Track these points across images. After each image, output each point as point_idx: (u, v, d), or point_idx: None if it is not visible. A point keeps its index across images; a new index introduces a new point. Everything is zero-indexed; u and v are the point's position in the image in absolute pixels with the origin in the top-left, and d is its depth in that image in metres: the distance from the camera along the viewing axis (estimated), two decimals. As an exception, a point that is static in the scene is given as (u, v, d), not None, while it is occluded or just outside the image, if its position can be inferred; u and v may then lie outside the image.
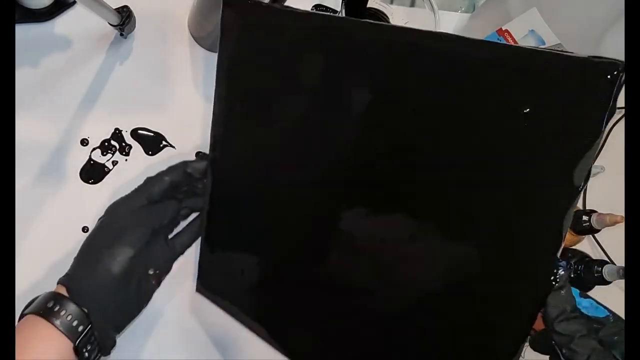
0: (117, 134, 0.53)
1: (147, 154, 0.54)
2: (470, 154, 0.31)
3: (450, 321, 0.34)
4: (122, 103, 0.54)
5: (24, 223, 0.49)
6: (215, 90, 0.41)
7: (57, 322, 0.36)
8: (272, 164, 0.40)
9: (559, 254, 0.28)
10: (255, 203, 0.42)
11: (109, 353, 0.40)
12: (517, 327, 0.30)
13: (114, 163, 0.53)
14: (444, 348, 0.34)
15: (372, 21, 0.33)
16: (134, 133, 0.54)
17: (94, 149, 0.52)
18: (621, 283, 0.54)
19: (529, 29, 0.58)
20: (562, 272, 0.29)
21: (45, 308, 0.37)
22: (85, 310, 0.37)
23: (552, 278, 0.29)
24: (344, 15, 0.52)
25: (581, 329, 0.29)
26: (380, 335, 0.37)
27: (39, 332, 0.36)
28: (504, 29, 0.61)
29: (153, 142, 0.54)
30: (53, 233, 0.49)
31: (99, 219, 0.42)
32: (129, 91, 0.55)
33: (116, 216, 0.41)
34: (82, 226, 0.50)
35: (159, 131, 0.55)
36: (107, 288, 0.38)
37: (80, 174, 0.52)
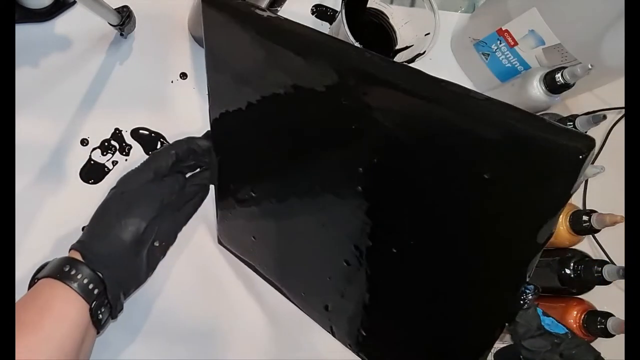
0: (117, 134, 0.53)
1: (147, 154, 0.54)
2: (434, 210, 0.32)
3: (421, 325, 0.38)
4: (122, 103, 0.54)
5: (24, 223, 0.49)
6: (207, 81, 0.42)
7: (75, 285, 0.37)
8: (265, 138, 0.41)
9: (522, 288, 0.31)
10: (258, 174, 0.44)
11: (116, 317, 0.41)
12: (483, 339, 0.33)
13: (114, 163, 0.53)
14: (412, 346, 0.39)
15: (328, 38, 0.32)
16: (134, 133, 0.54)
17: (94, 149, 0.52)
18: (621, 283, 0.54)
19: (529, 29, 0.58)
20: (531, 296, 0.32)
21: (62, 271, 0.38)
22: (100, 275, 0.39)
23: (520, 301, 0.32)
24: (344, 16, 0.52)
25: (546, 345, 0.33)
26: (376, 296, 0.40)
27: (58, 294, 0.37)
28: (504, 29, 0.61)
29: (153, 142, 0.54)
30: (53, 233, 0.49)
31: (111, 189, 0.44)
32: (129, 91, 0.55)
33: (128, 188, 0.43)
34: (82, 226, 0.50)
35: (158, 131, 0.55)
36: (119, 255, 0.40)
37: (80, 174, 0.52)
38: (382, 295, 0.39)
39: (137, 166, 0.44)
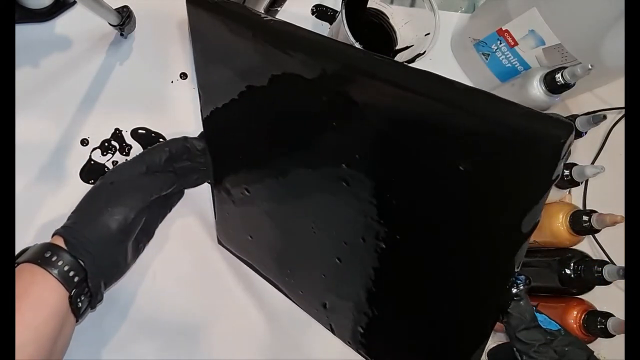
0: (117, 134, 0.53)
1: (147, 154, 0.54)
2: (418, 200, 0.32)
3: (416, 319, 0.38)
4: (122, 103, 0.54)
5: (24, 223, 0.49)
6: (196, 79, 0.42)
7: (55, 272, 0.37)
8: (259, 137, 0.41)
9: (512, 278, 0.31)
10: (250, 173, 0.44)
11: (95, 307, 0.41)
12: (478, 331, 0.33)
13: (114, 163, 0.53)
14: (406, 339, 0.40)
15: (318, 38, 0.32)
16: (134, 133, 0.54)
17: (94, 149, 0.52)
18: (621, 283, 0.54)
19: (529, 29, 0.58)
20: (522, 287, 0.32)
21: (43, 257, 0.38)
22: (82, 263, 0.38)
23: (511, 292, 0.32)
24: (344, 16, 0.52)
25: (541, 338, 0.32)
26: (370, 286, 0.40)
27: (38, 280, 0.37)
28: (504, 29, 0.61)
29: (153, 142, 0.54)
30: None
31: (100, 178, 0.43)
32: (129, 91, 0.55)
33: (119, 177, 0.42)
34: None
35: (158, 131, 0.55)
36: (103, 243, 0.40)
37: (80, 174, 0.52)
38: (376, 291, 0.39)
39: (130, 159, 0.44)
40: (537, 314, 0.33)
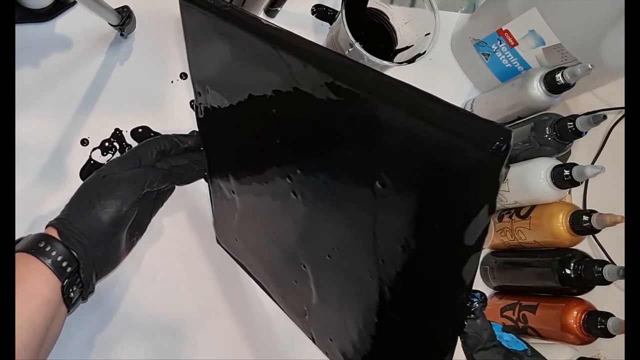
0: (117, 134, 0.53)
1: (147, 154, 0.54)
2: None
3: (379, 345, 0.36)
4: (122, 103, 0.54)
5: (24, 223, 0.49)
6: (190, 77, 0.43)
7: (49, 262, 0.37)
8: (249, 138, 0.41)
9: (464, 295, 0.28)
10: (235, 174, 0.44)
11: (87, 298, 0.41)
12: (437, 351, 0.31)
13: (114, 163, 0.53)
14: None
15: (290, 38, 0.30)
16: (134, 133, 0.54)
17: (94, 149, 0.52)
18: (621, 283, 0.54)
19: (529, 29, 0.58)
20: (477, 304, 0.30)
21: (37, 247, 0.38)
22: (75, 253, 0.39)
23: (463, 310, 0.29)
24: (344, 16, 0.52)
25: (499, 358, 0.30)
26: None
27: (31, 268, 0.37)
28: (504, 29, 0.61)
29: (153, 142, 0.54)
30: (53, 233, 0.49)
31: (95, 171, 0.43)
32: (129, 91, 0.55)
33: (112, 171, 0.43)
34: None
35: (158, 131, 0.55)
36: (96, 235, 0.40)
37: (81, 174, 0.52)
38: (334, 303, 0.38)
39: (122, 155, 0.45)
40: (504, 333, 0.31)
